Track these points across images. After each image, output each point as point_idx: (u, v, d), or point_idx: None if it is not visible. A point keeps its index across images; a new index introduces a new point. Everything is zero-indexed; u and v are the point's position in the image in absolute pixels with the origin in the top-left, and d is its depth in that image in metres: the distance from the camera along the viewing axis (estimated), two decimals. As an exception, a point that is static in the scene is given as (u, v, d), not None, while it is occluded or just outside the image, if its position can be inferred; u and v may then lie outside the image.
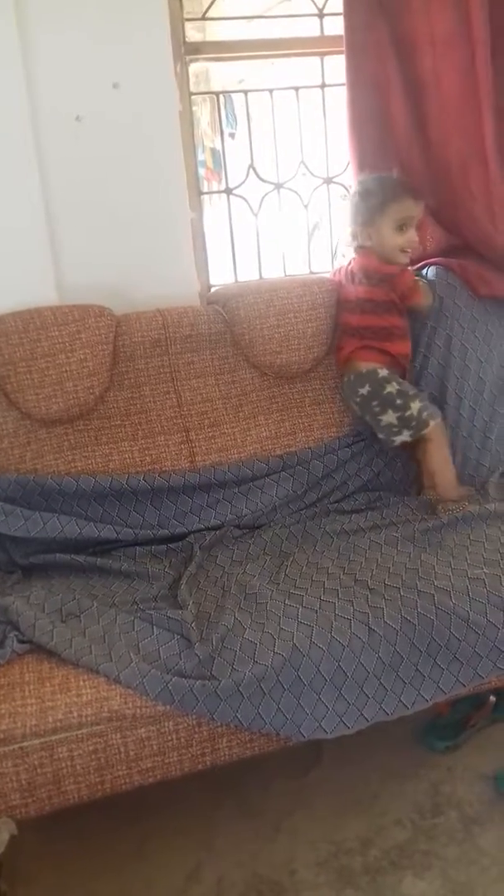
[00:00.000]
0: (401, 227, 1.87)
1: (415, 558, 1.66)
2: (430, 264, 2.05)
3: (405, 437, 1.89)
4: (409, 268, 1.97)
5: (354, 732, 1.42)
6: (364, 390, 1.91)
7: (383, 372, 1.90)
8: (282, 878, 1.51)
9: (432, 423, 1.88)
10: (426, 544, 1.72)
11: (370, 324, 1.92)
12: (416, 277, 1.96)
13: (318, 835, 1.59)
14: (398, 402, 1.88)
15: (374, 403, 1.90)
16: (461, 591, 1.52)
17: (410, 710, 1.45)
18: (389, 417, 1.89)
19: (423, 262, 2.07)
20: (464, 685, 1.48)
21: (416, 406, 1.87)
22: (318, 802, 1.66)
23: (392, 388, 1.88)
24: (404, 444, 1.92)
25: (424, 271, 2.05)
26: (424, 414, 1.87)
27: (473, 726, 1.78)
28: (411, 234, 1.89)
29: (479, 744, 1.78)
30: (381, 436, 1.92)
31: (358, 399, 1.93)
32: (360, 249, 1.93)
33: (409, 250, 1.91)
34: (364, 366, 1.92)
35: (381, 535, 1.77)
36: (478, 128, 1.89)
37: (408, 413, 1.87)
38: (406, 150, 1.96)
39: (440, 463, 1.91)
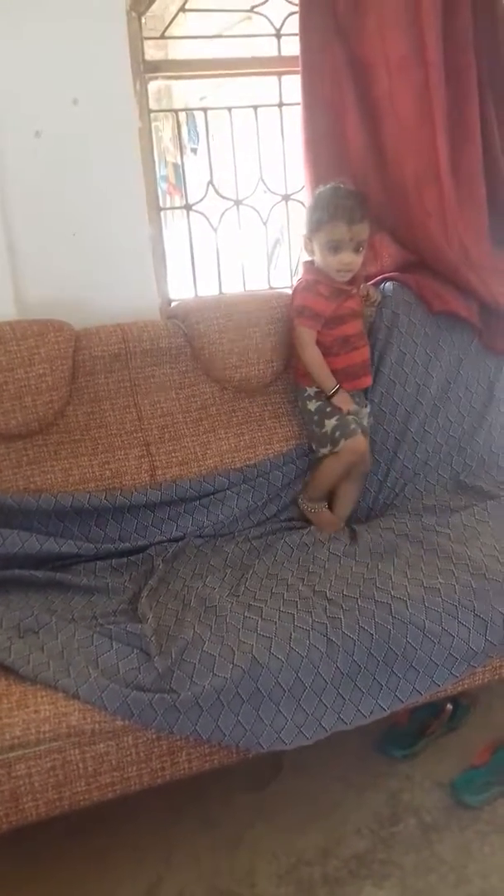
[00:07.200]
0: (334, 249, 1.83)
1: (372, 569, 1.68)
2: (388, 279, 2.09)
3: (325, 451, 1.93)
4: (366, 283, 2.01)
5: (313, 743, 1.43)
6: (299, 401, 1.98)
7: (310, 390, 1.93)
8: (242, 890, 1.52)
9: (343, 442, 1.89)
10: (383, 555, 1.75)
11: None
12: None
13: (279, 846, 1.60)
14: (315, 418, 1.92)
15: (303, 416, 1.98)
16: (417, 600, 1.55)
17: (368, 719, 1.47)
18: (315, 429, 1.94)
19: (380, 277, 2.11)
20: (420, 693, 1.51)
21: (330, 424, 1.90)
22: (278, 814, 1.67)
23: (312, 405, 1.93)
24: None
25: (381, 286, 2.09)
26: (337, 433, 1.89)
27: (431, 734, 1.81)
28: (343, 257, 1.83)
29: (436, 752, 1.80)
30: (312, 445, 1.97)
31: (298, 406, 2.00)
32: (306, 263, 1.94)
33: (346, 272, 1.86)
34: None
35: (339, 546, 1.80)
36: (432, 148, 1.93)
37: (322, 431, 1.91)
38: (361, 170, 2.00)
39: (322, 475, 1.94)
